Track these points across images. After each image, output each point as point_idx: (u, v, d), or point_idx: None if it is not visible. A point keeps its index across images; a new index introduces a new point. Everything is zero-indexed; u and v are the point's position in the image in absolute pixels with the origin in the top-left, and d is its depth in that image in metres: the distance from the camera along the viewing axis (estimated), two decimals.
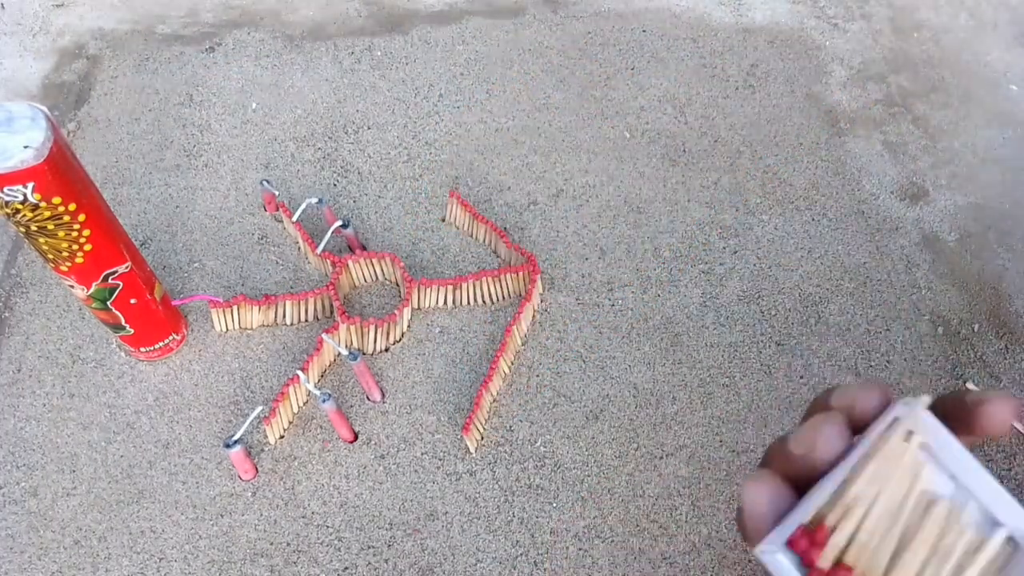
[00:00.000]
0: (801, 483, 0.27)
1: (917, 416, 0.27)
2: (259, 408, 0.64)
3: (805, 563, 0.26)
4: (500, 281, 0.71)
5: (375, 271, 0.73)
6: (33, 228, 0.52)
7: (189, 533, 0.61)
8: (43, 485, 0.63)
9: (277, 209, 0.76)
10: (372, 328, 0.68)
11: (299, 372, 0.64)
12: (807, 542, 0.27)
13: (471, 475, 0.63)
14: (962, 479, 0.28)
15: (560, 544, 0.60)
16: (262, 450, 0.65)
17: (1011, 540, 0.28)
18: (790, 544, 0.26)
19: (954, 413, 0.27)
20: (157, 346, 0.67)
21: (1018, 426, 0.65)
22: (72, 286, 0.59)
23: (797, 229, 0.77)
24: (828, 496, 0.27)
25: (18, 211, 0.50)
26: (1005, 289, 0.74)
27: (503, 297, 0.72)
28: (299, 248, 0.75)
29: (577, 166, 0.81)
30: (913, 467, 0.28)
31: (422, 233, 0.77)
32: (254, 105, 0.86)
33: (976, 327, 0.71)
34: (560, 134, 0.84)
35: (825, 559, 0.26)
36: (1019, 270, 0.75)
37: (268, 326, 0.71)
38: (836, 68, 0.90)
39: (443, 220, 0.78)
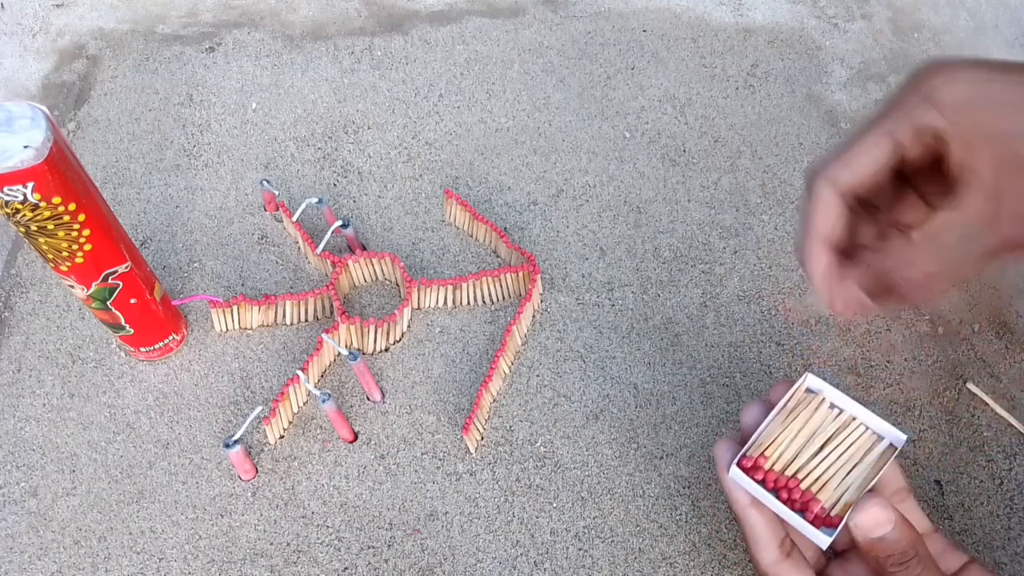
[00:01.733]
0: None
1: (811, 378, 0.49)
2: (259, 408, 0.64)
3: (743, 468, 0.46)
4: (500, 281, 0.71)
5: (375, 271, 0.73)
6: (33, 228, 0.52)
7: (189, 533, 0.61)
8: (43, 485, 0.63)
9: (277, 209, 0.76)
10: (372, 328, 0.68)
11: (299, 372, 0.64)
12: (749, 461, 0.46)
13: (471, 475, 0.63)
14: (849, 410, 0.48)
15: (560, 544, 0.60)
16: (262, 450, 0.65)
17: (891, 446, 0.47)
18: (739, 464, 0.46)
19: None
20: (157, 346, 0.67)
21: (1018, 426, 0.65)
22: (72, 286, 0.59)
23: (797, 229, 0.77)
24: (762, 432, 0.47)
25: (18, 211, 0.50)
26: (1005, 289, 0.74)
27: (503, 297, 0.72)
28: (299, 248, 0.75)
29: (577, 166, 0.81)
30: (814, 402, 0.48)
31: (422, 233, 0.77)
32: (254, 105, 0.86)
33: (976, 327, 0.71)
34: (560, 134, 0.84)
35: (750, 453, 0.46)
36: (1019, 270, 0.75)
37: (268, 326, 0.71)
38: (836, 68, 0.90)
39: (443, 220, 0.78)
